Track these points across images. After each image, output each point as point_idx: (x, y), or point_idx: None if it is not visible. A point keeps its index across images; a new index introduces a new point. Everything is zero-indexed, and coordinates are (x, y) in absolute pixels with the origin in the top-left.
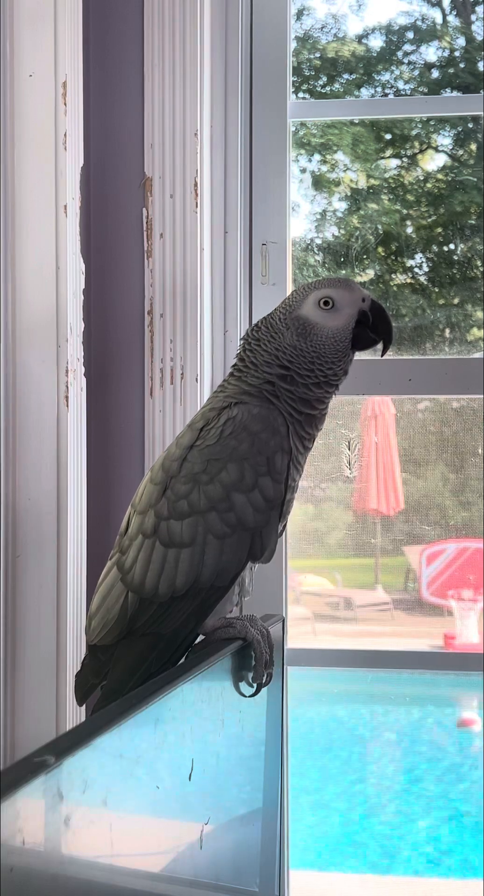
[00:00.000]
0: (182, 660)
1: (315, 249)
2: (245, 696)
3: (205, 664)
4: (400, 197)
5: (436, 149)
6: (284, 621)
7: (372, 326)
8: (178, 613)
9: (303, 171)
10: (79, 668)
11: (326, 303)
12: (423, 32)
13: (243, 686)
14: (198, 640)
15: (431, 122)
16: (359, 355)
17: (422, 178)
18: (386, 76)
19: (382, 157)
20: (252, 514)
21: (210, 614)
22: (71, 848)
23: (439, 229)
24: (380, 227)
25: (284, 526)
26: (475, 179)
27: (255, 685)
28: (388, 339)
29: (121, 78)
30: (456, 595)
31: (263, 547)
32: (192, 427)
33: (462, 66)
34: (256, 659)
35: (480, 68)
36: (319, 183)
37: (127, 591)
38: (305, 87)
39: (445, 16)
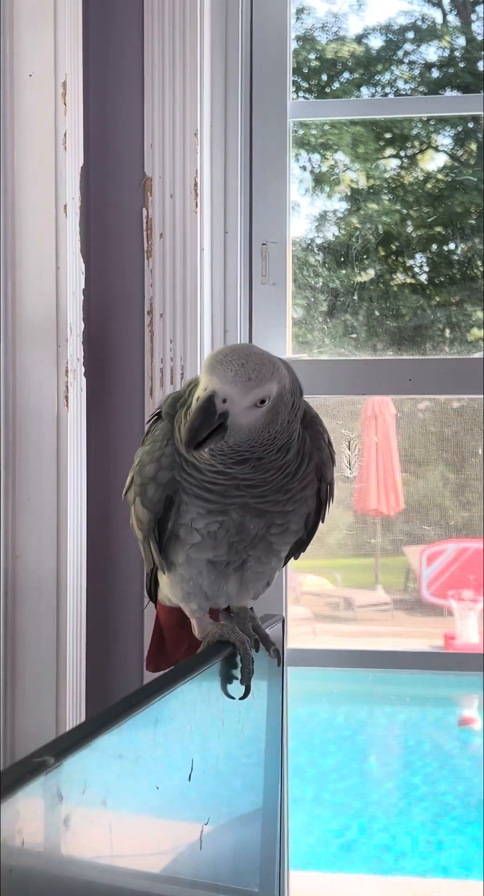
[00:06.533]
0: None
1: (315, 249)
2: (234, 698)
3: (204, 665)
4: (400, 197)
5: (436, 149)
6: (283, 621)
7: None
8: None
9: (303, 169)
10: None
11: None
12: (423, 32)
13: (232, 689)
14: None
15: (431, 122)
16: (359, 355)
17: (422, 178)
18: (386, 76)
19: (382, 157)
20: (137, 520)
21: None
22: (71, 849)
23: (439, 229)
24: (380, 227)
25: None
26: (475, 179)
27: (244, 687)
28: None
29: (121, 78)
30: (456, 595)
31: (158, 558)
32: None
33: (462, 65)
34: (242, 660)
35: (480, 68)
36: (320, 183)
37: None
38: (305, 86)
39: (445, 15)
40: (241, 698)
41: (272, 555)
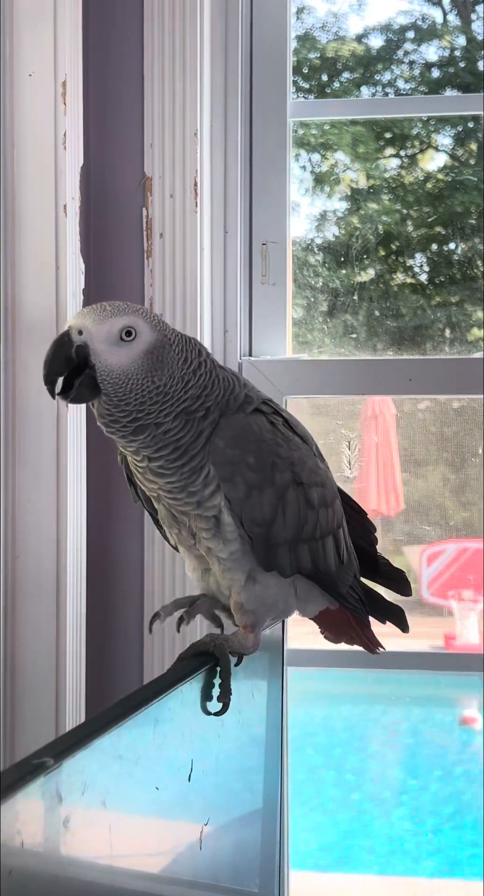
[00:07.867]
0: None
1: (315, 249)
2: (211, 713)
3: (204, 667)
4: (400, 197)
5: (436, 148)
6: (283, 621)
7: None
8: None
9: (303, 169)
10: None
11: None
12: (423, 32)
13: (211, 705)
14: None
15: (432, 122)
16: (359, 355)
17: (422, 177)
18: (386, 76)
19: (382, 157)
20: None
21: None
22: (70, 849)
23: (439, 229)
24: (380, 226)
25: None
26: (475, 179)
27: (221, 703)
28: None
29: (121, 78)
30: (456, 595)
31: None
32: None
33: (462, 65)
34: (223, 672)
35: (480, 68)
36: (320, 183)
37: None
38: (305, 86)
39: (445, 15)
40: (216, 714)
41: (223, 567)
